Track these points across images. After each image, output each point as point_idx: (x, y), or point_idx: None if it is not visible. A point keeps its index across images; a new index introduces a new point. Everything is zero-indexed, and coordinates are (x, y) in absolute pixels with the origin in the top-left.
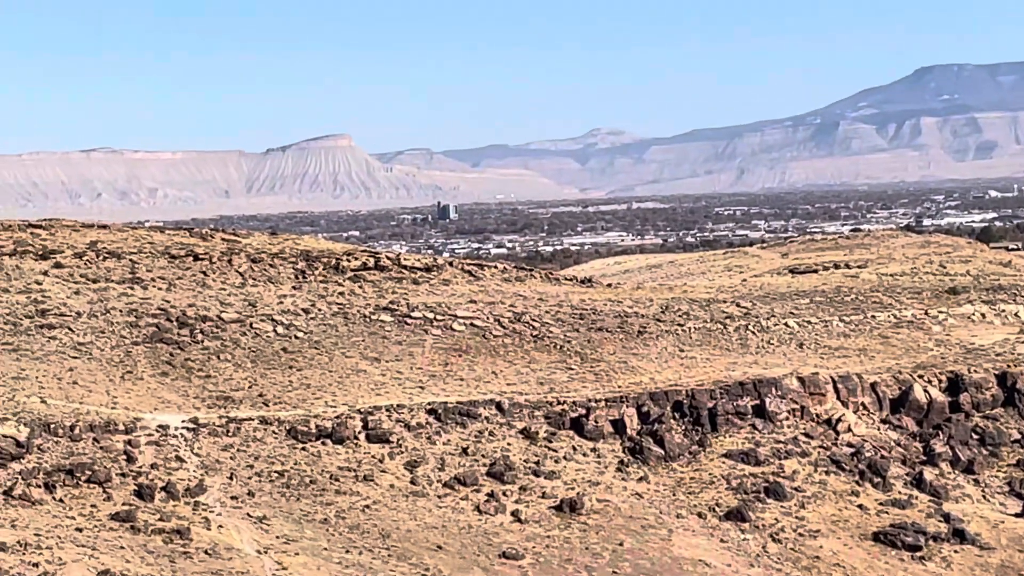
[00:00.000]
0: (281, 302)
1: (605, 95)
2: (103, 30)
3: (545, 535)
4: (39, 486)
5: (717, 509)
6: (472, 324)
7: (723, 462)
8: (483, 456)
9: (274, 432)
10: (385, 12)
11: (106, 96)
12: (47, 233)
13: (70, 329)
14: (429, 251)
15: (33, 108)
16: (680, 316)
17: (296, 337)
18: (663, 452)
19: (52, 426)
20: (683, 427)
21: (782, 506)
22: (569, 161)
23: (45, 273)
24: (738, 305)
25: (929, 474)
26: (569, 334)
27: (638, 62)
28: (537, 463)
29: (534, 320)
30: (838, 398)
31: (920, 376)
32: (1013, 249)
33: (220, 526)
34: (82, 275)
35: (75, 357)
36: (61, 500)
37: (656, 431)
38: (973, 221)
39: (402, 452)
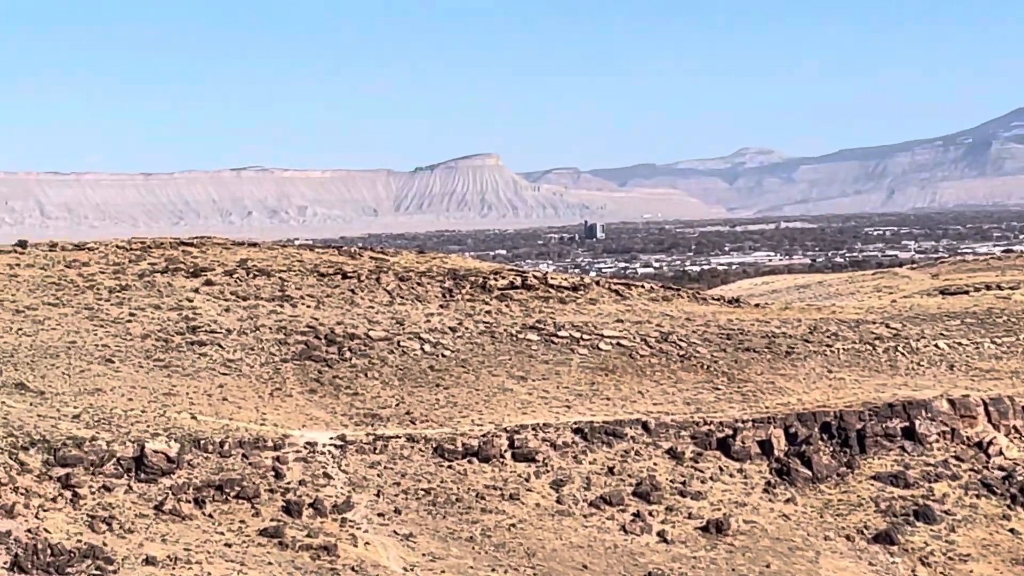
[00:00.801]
0: (428, 320)
1: (754, 114)
2: (253, 52)
3: (691, 556)
4: (189, 501)
5: (865, 532)
6: (619, 343)
7: (871, 484)
8: (629, 476)
9: (421, 450)
10: (532, 34)
11: (257, 116)
12: (198, 251)
13: (220, 346)
14: (576, 270)
15: (185, 128)
16: (828, 337)
17: (443, 355)
18: (811, 474)
19: (202, 442)
20: (831, 448)
21: (932, 529)
22: (717, 180)
23: (196, 290)
24: (887, 326)
25: None
26: (716, 354)
27: (786, 81)
28: (683, 483)
29: (681, 340)
30: (989, 421)
31: None
32: None
33: (367, 543)
34: (232, 292)
35: (225, 374)
36: (210, 515)
37: (804, 452)
38: None
39: (548, 471)
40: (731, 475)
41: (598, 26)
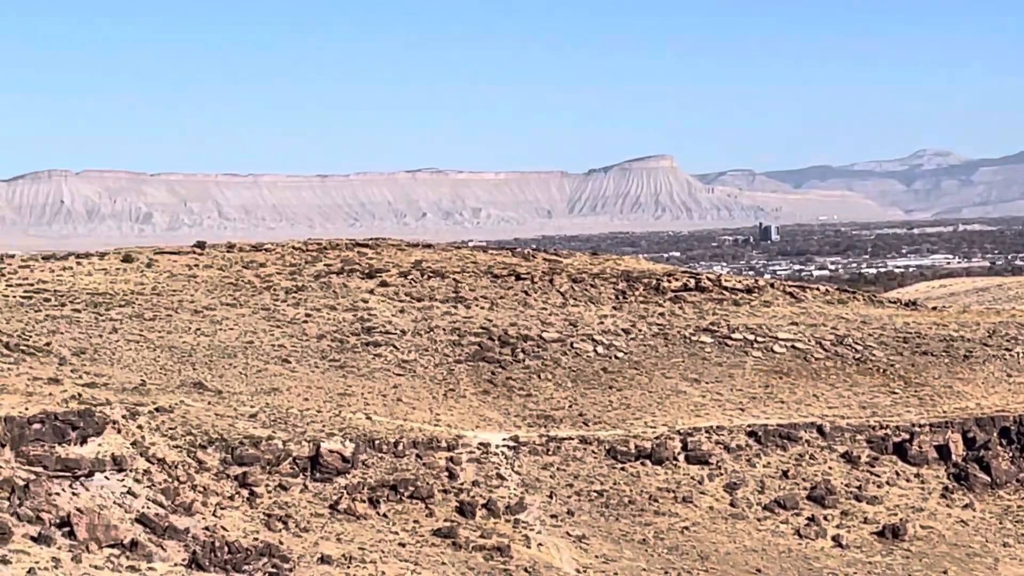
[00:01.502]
0: (602, 322)
1: (931, 115)
2: (425, 55)
3: (867, 561)
4: (364, 501)
5: None
6: (793, 346)
7: None
8: (804, 479)
9: (594, 452)
10: (707, 35)
11: (432, 118)
12: (373, 252)
13: (395, 347)
14: (750, 272)
15: (361, 131)
16: (1008, 341)
17: (616, 357)
18: (989, 479)
19: (377, 442)
20: (1010, 454)
21: None
22: (893, 182)
23: (371, 291)
24: None
25: None
26: (892, 357)
27: (964, 82)
28: (859, 488)
29: (856, 343)
30: None
31: None
32: None
33: (540, 544)
34: (407, 294)
35: (399, 375)
36: (385, 515)
37: (982, 457)
38: None
39: (722, 474)
40: (907, 480)
41: (775, 27)
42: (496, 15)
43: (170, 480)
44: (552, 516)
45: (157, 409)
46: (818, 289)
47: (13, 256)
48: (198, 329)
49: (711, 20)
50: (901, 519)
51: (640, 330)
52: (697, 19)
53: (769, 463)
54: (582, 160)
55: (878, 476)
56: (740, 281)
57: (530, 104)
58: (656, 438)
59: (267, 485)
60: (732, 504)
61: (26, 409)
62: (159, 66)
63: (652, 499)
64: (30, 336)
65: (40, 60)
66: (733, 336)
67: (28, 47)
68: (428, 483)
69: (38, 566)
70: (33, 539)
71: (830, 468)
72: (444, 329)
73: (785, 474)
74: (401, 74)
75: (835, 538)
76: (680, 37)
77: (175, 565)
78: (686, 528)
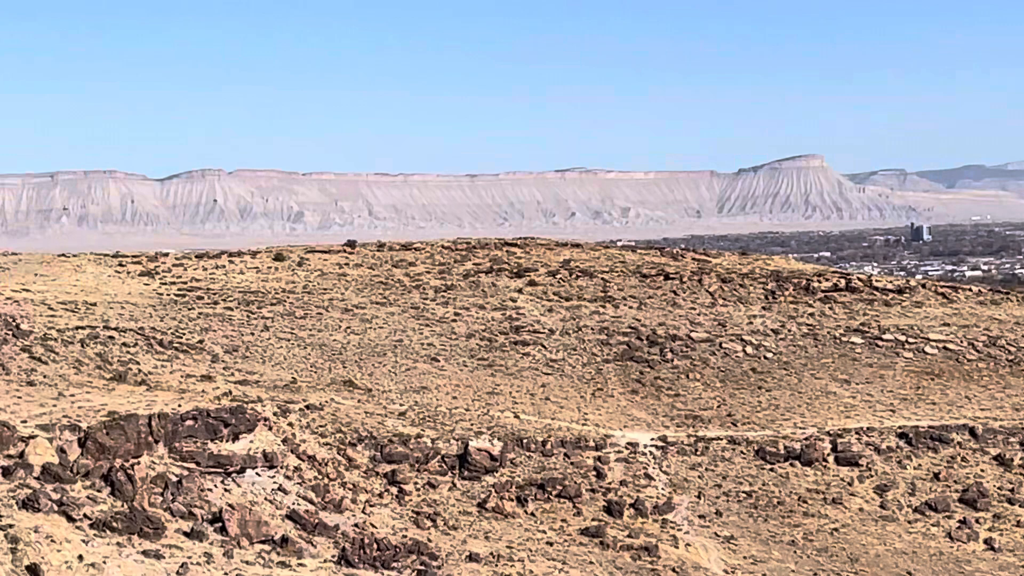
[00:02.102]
0: (751, 322)
1: None
2: (575, 55)
3: (1020, 564)
4: (512, 499)
5: None
6: (945, 347)
7: None
8: (955, 482)
9: (742, 452)
10: (856, 33)
11: (582, 118)
12: (522, 251)
13: (543, 346)
14: (901, 273)
15: (511, 131)
16: None
17: (765, 357)
18: None
19: (525, 441)
20: None
21: None
22: None
23: (520, 291)
24: None
25: None
26: None
27: None
28: (1012, 491)
29: (1010, 344)
30: None
31: None
32: None
33: (688, 544)
34: (555, 293)
35: (547, 373)
36: (532, 514)
37: None
38: None
39: (872, 475)
40: None
41: (927, 26)
42: (646, 15)
43: (320, 477)
44: (700, 516)
45: (308, 406)
46: (971, 290)
47: (167, 255)
48: (348, 327)
49: (863, 19)
50: None
51: (789, 330)
52: (849, 18)
53: (920, 465)
54: (732, 160)
55: None
56: (891, 282)
57: (680, 104)
58: (805, 439)
59: (416, 483)
60: (882, 506)
61: (179, 406)
62: (311, 67)
63: (801, 500)
64: (183, 334)
65: (193, 61)
66: (884, 337)
67: (182, 49)
68: (576, 482)
69: (190, 561)
70: (186, 534)
71: (982, 471)
72: (592, 328)
73: (936, 476)
74: (551, 74)
75: (987, 541)
76: (831, 36)
77: (324, 561)
78: (835, 530)
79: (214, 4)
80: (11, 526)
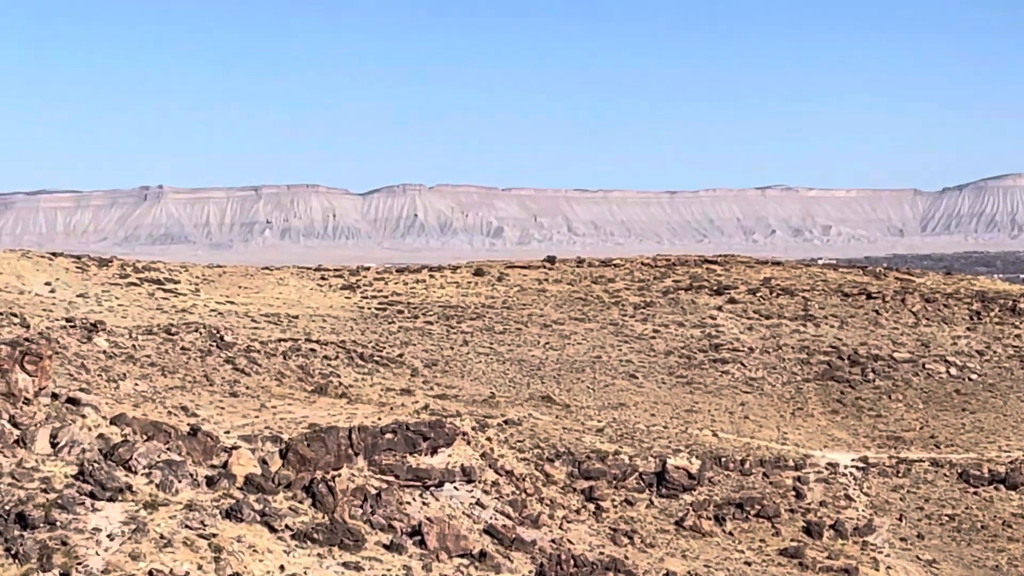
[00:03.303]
0: (955, 343)
1: None
2: (781, 74)
3: None
4: (709, 518)
5: None
6: None
7: None
8: None
9: (945, 475)
10: None
11: (783, 135)
12: (722, 269)
13: (742, 364)
14: None
15: (711, 147)
16: None
17: (969, 379)
18: None
19: (723, 459)
20: None
21: None
22: None
23: (719, 308)
24: None
25: None
26: None
27: None
28: None
29: None
30: None
31: None
32: None
33: (888, 567)
34: (755, 311)
35: (747, 392)
36: (730, 533)
37: None
38: None
39: None
40: None
41: None
42: (845, 31)
43: (518, 492)
44: (901, 539)
45: (506, 421)
46: None
47: (368, 268)
48: (547, 343)
49: None
50: None
51: (995, 352)
52: None
53: None
54: (935, 178)
55: None
56: None
57: (883, 121)
58: (1011, 462)
59: (613, 500)
60: None
61: (379, 419)
62: (508, 84)
63: (1006, 525)
64: (384, 347)
65: (396, 78)
66: None
67: (385, 65)
68: (775, 502)
69: (390, 573)
70: (385, 547)
71: None
72: (792, 347)
73: None
74: (749, 90)
75: None
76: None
77: None
78: None
79: (414, 20)
80: (215, 535)
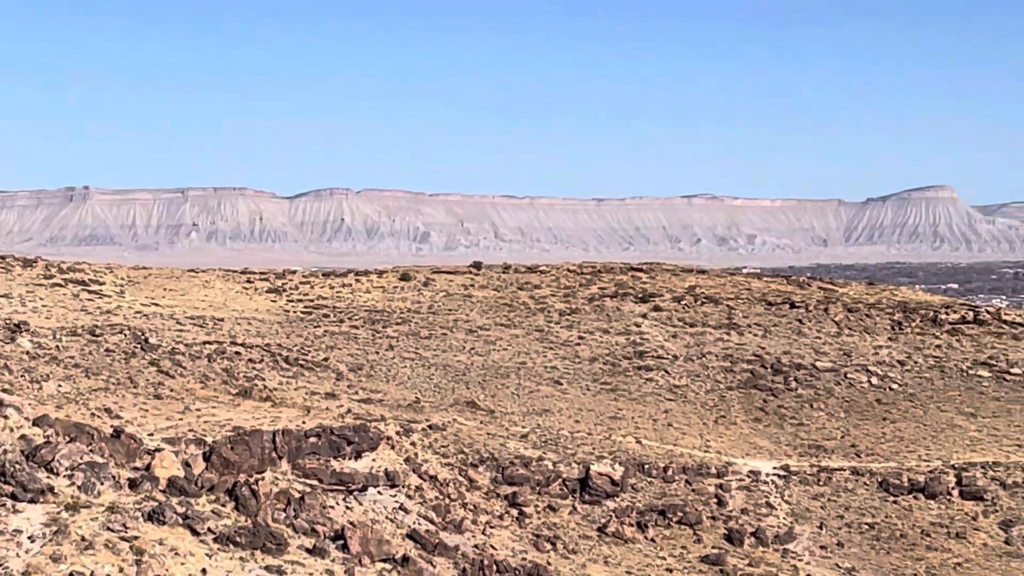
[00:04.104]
0: (876, 353)
1: None
2: (706, 85)
3: None
4: (632, 525)
5: None
6: None
7: None
8: None
9: (866, 484)
10: (989, 67)
11: (709, 144)
12: (647, 276)
13: (666, 371)
14: None
15: (638, 156)
16: None
17: (891, 389)
18: None
19: (646, 466)
20: None
21: None
22: None
23: (644, 316)
24: None
25: None
26: None
27: None
28: None
29: None
30: None
31: None
32: None
33: (808, 575)
34: (680, 319)
35: (670, 399)
36: (652, 540)
37: None
38: None
39: (997, 510)
40: None
41: None
42: (773, 43)
43: (441, 497)
44: (821, 547)
45: (430, 426)
46: None
47: (295, 272)
48: (472, 348)
49: (993, 46)
50: None
51: (916, 362)
52: (978, 46)
53: None
54: (860, 189)
55: None
56: (1020, 315)
57: (808, 132)
58: (930, 472)
59: (536, 506)
60: (1007, 542)
61: (303, 423)
62: (439, 88)
63: (925, 534)
64: (309, 351)
65: (322, 82)
66: (1012, 371)
67: (313, 68)
68: (697, 509)
69: None
70: (308, 551)
71: None
72: (716, 355)
73: None
74: (680, 101)
75: None
76: (964, 66)
77: None
78: (959, 564)
79: (343, 25)
80: (136, 538)
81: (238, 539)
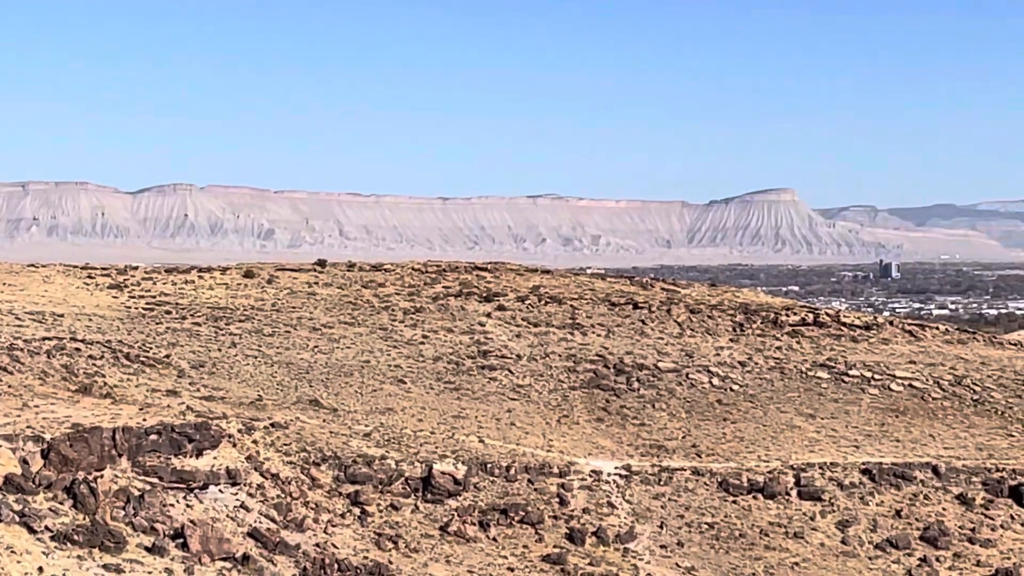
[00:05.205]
0: (718, 354)
1: None
2: (552, 85)
3: None
4: (474, 524)
5: None
6: (911, 385)
7: None
8: (917, 519)
9: (706, 484)
10: (829, 67)
11: (554, 144)
12: (492, 276)
13: (510, 371)
14: (869, 309)
15: (483, 155)
16: None
17: (732, 389)
18: None
19: (489, 465)
20: None
21: None
22: (1018, 223)
23: (488, 315)
24: None
25: None
26: (1011, 400)
27: None
28: (972, 530)
29: (975, 384)
30: None
31: None
32: None
33: (648, 574)
34: (524, 318)
35: (514, 399)
36: (494, 539)
37: None
38: None
39: (834, 511)
40: (1023, 524)
41: (900, 62)
42: (619, 46)
43: (283, 496)
44: (662, 547)
45: (272, 424)
46: (937, 328)
47: (136, 268)
48: (316, 346)
49: (836, 53)
50: (1015, 563)
51: (756, 363)
52: (821, 53)
53: (882, 502)
54: (703, 191)
55: (992, 519)
56: (859, 318)
57: (652, 133)
58: (769, 472)
59: (379, 504)
60: (844, 541)
61: (144, 420)
62: (283, 85)
63: (763, 533)
64: (150, 348)
65: (166, 76)
66: (850, 373)
67: (156, 60)
68: (539, 508)
69: None
70: (147, 549)
71: (944, 509)
72: (560, 355)
73: (898, 513)
74: (524, 100)
75: None
76: (804, 70)
77: None
78: (796, 564)
79: (187, 16)
80: None
81: (76, 537)
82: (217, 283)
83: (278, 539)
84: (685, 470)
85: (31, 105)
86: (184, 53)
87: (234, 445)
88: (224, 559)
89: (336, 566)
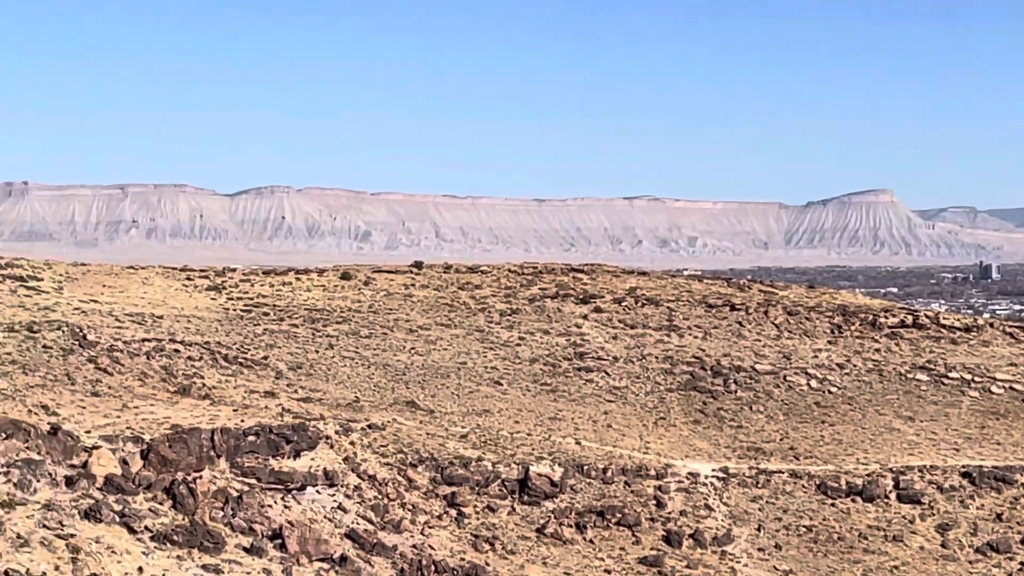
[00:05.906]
0: (816, 356)
1: None
2: (651, 87)
3: None
4: (571, 526)
5: None
6: (1011, 387)
7: None
8: (1018, 523)
9: (804, 486)
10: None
11: (651, 146)
12: (588, 278)
13: (606, 373)
14: (969, 311)
15: (580, 157)
16: None
17: (830, 392)
18: None
19: (585, 467)
20: None
21: None
22: None
23: (585, 317)
24: None
25: None
26: None
27: None
28: None
29: None
30: None
31: None
32: None
33: None
34: (620, 320)
35: (610, 401)
36: (591, 541)
37: None
38: None
39: (934, 514)
40: None
41: (999, 64)
42: (714, 49)
43: (380, 497)
44: (759, 549)
45: (370, 426)
46: None
47: (235, 270)
48: (412, 348)
49: (936, 54)
50: None
51: (855, 365)
52: (921, 54)
53: (983, 505)
54: (801, 192)
55: None
56: (959, 319)
57: (751, 135)
58: (868, 475)
59: (475, 506)
60: (943, 545)
61: (242, 421)
62: (382, 87)
63: (862, 537)
64: (248, 349)
65: (266, 78)
66: (950, 375)
67: (255, 66)
68: (636, 511)
69: None
70: (245, 550)
71: None
72: (656, 357)
73: (999, 517)
74: (622, 102)
75: None
76: (904, 71)
77: None
78: (896, 567)
79: (286, 20)
80: (73, 536)
81: (175, 537)
82: (314, 285)
83: (375, 540)
84: (783, 472)
85: (131, 109)
86: (282, 56)
87: (331, 446)
88: (322, 560)
89: (433, 567)
